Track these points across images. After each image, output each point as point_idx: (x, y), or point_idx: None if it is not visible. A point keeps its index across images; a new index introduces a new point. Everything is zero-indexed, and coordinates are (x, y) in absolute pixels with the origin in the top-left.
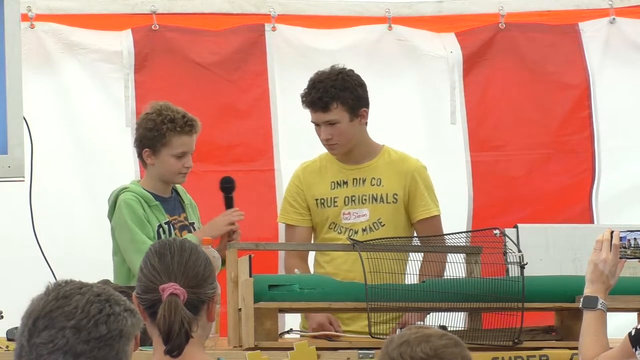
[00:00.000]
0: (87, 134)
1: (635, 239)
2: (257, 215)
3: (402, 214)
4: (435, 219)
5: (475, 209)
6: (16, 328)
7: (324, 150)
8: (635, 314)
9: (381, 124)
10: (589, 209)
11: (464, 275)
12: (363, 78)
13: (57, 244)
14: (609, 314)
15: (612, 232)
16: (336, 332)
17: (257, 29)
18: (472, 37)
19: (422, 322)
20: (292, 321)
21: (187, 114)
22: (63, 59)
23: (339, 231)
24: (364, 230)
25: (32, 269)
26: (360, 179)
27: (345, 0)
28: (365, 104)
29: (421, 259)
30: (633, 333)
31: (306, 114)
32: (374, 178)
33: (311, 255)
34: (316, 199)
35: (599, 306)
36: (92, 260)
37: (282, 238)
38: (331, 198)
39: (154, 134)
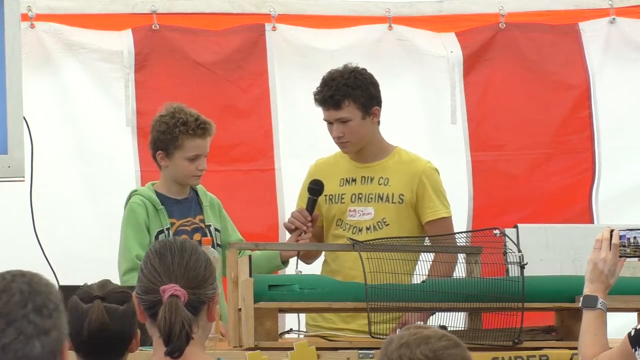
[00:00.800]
0: (87, 134)
1: (635, 237)
2: (257, 215)
3: (409, 215)
4: (445, 221)
5: (475, 209)
6: None
7: (324, 150)
8: (635, 314)
9: (381, 124)
10: (588, 208)
11: (464, 275)
12: None
13: (57, 244)
14: (608, 314)
15: (611, 231)
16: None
17: (258, 28)
18: (472, 37)
19: (422, 322)
20: (292, 321)
21: (200, 116)
22: (63, 58)
23: (344, 228)
24: (367, 228)
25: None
26: (368, 177)
27: (346, 0)
28: (378, 102)
29: (431, 259)
30: (633, 333)
31: (306, 114)
32: (381, 177)
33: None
34: (325, 195)
35: (599, 305)
36: (92, 260)
37: (282, 238)
38: (339, 194)
39: (166, 136)
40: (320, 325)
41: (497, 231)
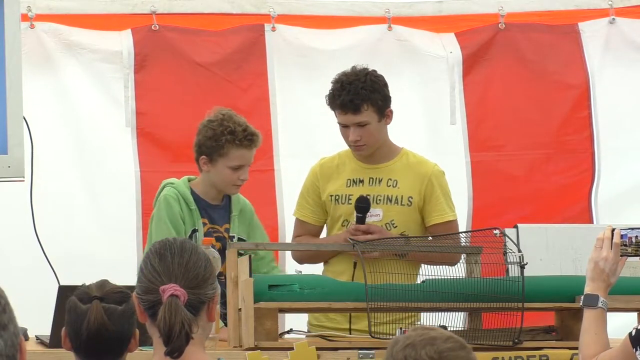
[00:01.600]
0: (87, 134)
1: (636, 236)
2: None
3: (416, 218)
4: (451, 224)
5: (475, 209)
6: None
7: (324, 150)
8: (635, 314)
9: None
10: (588, 208)
11: (464, 275)
12: None
13: (57, 244)
14: (609, 314)
15: (612, 230)
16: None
17: (257, 29)
18: (472, 37)
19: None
20: (292, 321)
21: (249, 126)
22: (63, 58)
23: None
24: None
25: (33, 268)
26: (376, 178)
27: (345, 0)
28: (390, 103)
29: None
30: (634, 333)
31: (306, 114)
32: (390, 179)
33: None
34: (331, 195)
35: (600, 304)
36: (92, 260)
37: (282, 238)
38: (346, 195)
39: (212, 143)
40: (324, 325)
41: (497, 231)
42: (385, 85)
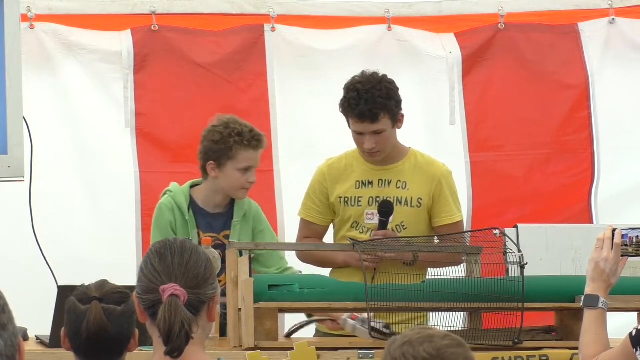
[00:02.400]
0: (87, 134)
1: (637, 236)
2: None
3: (425, 219)
4: (458, 225)
5: (475, 209)
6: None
7: (323, 150)
8: (635, 314)
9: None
10: (588, 209)
11: (464, 275)
12: None
13: (56, 244)
14: (609, 314)
15: (613, 230)
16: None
17: (257, 29)
18: (471, 37)
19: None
20: (292, 321)
21: (254, 128)
22: (63, 59)
23: (360, 231)
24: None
25: (32, 269)
26: (386, 180)
27: (345, 0)
28: (401, 108)
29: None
30: (634, 333)
31: (305, 114)
32: (399, 181)
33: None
34: (340, 197)
35: (600, 305)
36: (91, 260)
37: (282, 238)
38: (355, 197)
39: (220, 146)
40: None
41: (497, 231)
42: (398, 89)
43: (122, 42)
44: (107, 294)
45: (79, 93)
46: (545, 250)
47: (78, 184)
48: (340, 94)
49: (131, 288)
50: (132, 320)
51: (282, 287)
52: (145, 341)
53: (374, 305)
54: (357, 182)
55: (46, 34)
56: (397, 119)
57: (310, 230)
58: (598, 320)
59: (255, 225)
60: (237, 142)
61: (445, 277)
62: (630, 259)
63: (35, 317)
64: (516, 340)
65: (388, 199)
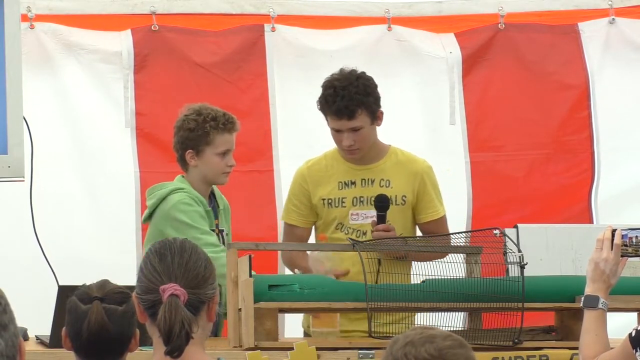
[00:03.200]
0: (87, 134)
1: (636, 236)
2: (256, 215)
3: (409, 216)
4: (442, 220)
5: (475, 209)
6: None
7: (323, 150)
8: (635, 314)
9: (380, 125)
10: (588, 209)
11: (464, 275)
12: None
13: (56, 244)
14: (609, 314)
15: (613, 231)
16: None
17: (257, 29)
18: (471, 37)
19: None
20: (292, 321)
21: (226, 112)
22: (63, 59)
23: (345, 232)
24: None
25: (32, 269)
26: (368, 179)
27: (345, 0)
28: (380, 105)
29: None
30: (634, 334)
31: (305, 114)
32: (382, 179)
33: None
34: (323, 199)
35: (600, 305)
36: (91, 260)
37: (281, 238)
38: (339, 198)
39: (197, 133)
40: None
41: (497, 231)
42: (376, 86)
43: (122, 42)
44: (108, 294)
45: (79, 93)
46: (545, 250)
47: (78, 184)
48: None
49: (132, 288)
50: (133, 320)
51: (282, 287)
52: (145, 341)
53: (374, 305)
54: (340, 183)
55: (46, 34)
56: (375, 115)
57: (294, 235)
58: (598, 320)
59: (227, 218)
60: (212, 126)
61: (445, 277)
62: (630, 259)
63: (35, 317)
64: (516, 340)
65: (371, 197)
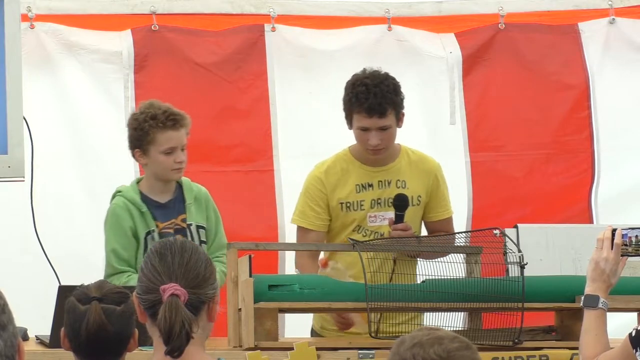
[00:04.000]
0: (87, 134)
1: (636, 236)
2: (256, 215)
3: (420, 215)
4: (451, 219)
5: (475, 209)
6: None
7: (323, 150)
8: (635, 314)
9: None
10: (588, 208)
11: (464, 275)
12: None
13: (57, 244)
14: (609, 314)
15: (613, 230)
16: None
17: (257, 29)
18: (471, 37)
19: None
20: (292, 321)
21: (170, 108)
22: (63, 59)
23: (364, 234)
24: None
25: (32, 269)
26: (385, 181)
27: (345, 0)
28: (404, 106)
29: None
30: (634, 334)
31: (305, 114)
32: (399, 180)
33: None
34: (341, 202)
35: (600, 305)
36: (92, 260)
37: (282, 238)
38: (358, 201)
39: (139, 133)
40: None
41: (497, 231)
42: (401, 87)
43: (122, 42)
44: (106, 294)
45: (79, 93)
46: (545, 250)
47: (78, 184)
48: (340, 94)
49: (131, 288)
50: (132, 320)
51: (282, 287)
52: (145, 341)
53: (374, 305)
54: (357, 186)
55: (46, 34)
56: (399, 117)
57: (309, 240)
58: (598, 320)
59: (207, 207)
60: (151, 125)
61: (445, 277)
62: (630, 259)
63: (35, 317)
64: (516, 340)
65: (388, 199)
